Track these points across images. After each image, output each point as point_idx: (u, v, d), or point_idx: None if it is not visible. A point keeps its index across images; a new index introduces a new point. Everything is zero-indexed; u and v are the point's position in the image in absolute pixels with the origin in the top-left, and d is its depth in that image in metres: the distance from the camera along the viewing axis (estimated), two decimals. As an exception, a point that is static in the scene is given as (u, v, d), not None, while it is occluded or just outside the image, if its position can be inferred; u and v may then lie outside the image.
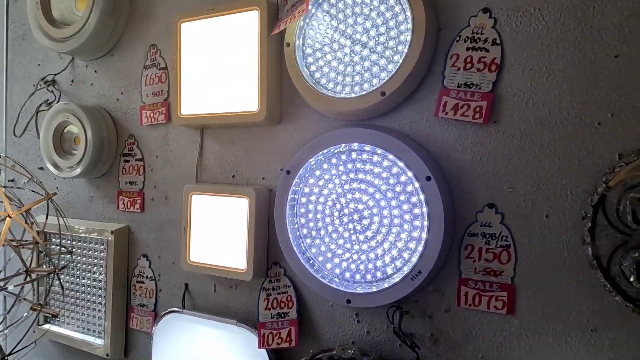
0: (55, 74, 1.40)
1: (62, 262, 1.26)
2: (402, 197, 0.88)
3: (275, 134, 1.04)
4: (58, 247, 1.11)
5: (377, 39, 0.89)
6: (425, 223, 0.83)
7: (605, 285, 0.69)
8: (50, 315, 1.21)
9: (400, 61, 0.84)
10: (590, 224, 0.69)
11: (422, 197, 0.83)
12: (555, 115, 0.77)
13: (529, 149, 0.79)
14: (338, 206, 0.94)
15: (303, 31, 0.97)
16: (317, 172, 0.96)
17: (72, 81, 1.38)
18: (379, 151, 0.89)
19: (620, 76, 0.72)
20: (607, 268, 0.68)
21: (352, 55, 0.92)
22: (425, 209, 0.83)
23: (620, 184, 0.67)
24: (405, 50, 0.84)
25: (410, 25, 0.83)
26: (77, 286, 1.32)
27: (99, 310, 1.28)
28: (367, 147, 0.89)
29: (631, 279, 0.65)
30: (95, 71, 1.34)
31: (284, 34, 0.97)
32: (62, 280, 1.33)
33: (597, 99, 0.74)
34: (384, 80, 0.86)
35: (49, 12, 1.30)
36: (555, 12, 0.77)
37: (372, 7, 0.90)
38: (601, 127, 0.74)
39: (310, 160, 0.94)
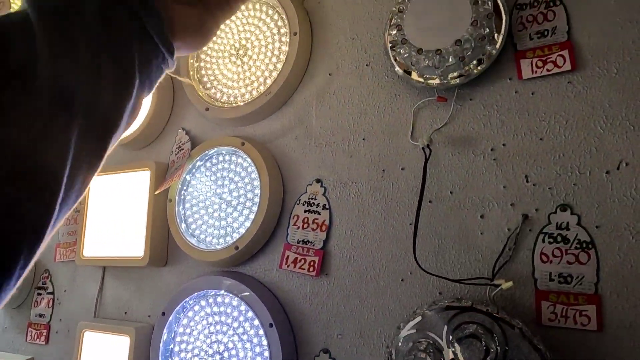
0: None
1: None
2: (255, 340, 0.98)
3: (160, 276, 1.16)
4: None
5: (238, 199, 1.06)
6: (271, 366, 0.92)
7: None
8: None
9: (253, 219, 1.00)
10: (387, 373, 0.79)
11: (266, 342, 0.93)
12: (370, 271, 0.91)
13: (352, 299, 0.91)
14: (204, 346, 1.03)
15: (184, 189, 1.14)
16: (190, 314, 1.07)
17: (5, 217, 1.53)
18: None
19: (411, 242, 0.87)
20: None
21: (220, 211, 1.08)
22: (268, 354, 0.93)
23: (406, 339, 0.78)
24: (257, 209, 1.00)
25: (260, 191, 1.00)
26: (-24, 421, 1.34)
27: None
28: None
29: None
30: (24, 210, 1.49)
31: (169, 191, 1.14)
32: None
33: (399, 258, 0.88)
34: (240, 235, 1.01)
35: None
36: (367, 186, 0.94)
37: (235, 172, 1.08)
38: (404, 283, 0.87)
39: (182, 303, 1.05)
